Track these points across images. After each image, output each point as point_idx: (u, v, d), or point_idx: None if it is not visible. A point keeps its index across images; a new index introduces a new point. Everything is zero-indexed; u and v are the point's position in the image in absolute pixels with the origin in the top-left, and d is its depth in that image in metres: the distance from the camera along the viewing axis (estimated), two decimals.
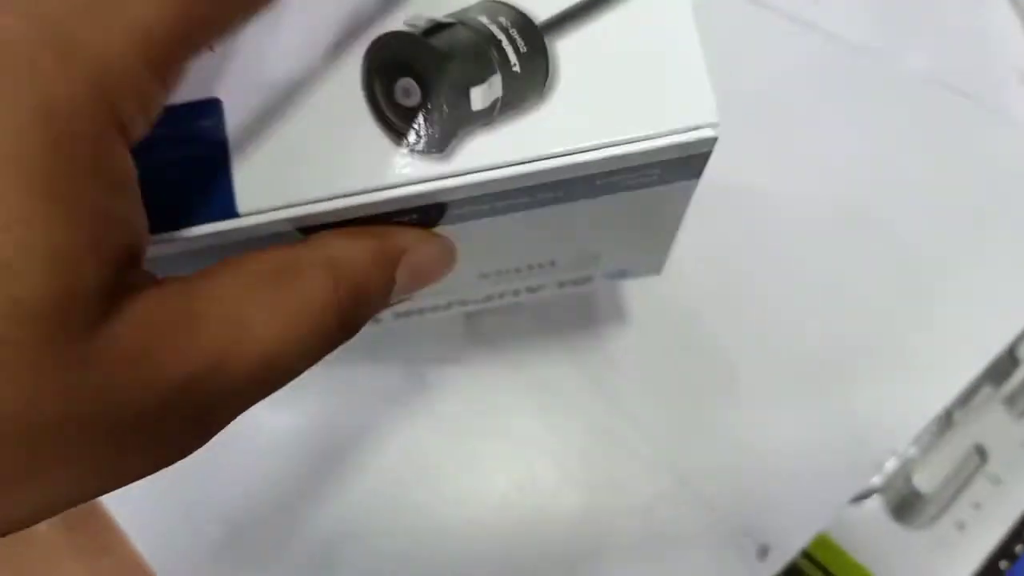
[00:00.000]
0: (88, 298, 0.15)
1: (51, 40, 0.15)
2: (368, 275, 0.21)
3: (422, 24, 0.22)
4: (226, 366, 0.17)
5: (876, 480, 0.40)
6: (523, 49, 0.22)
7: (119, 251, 0.16)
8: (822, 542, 0.39)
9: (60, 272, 0.14)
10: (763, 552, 0.38)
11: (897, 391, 0.41)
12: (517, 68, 0.22)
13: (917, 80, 0.45)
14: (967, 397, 0.41)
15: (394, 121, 0.21)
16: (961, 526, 0.40)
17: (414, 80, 0.21)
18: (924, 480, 0.41)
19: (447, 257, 0.24)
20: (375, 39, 0.22)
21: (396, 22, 0.22)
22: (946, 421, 0.41)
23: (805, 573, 0.39)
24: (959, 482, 0.41)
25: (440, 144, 0.21)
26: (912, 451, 0.40)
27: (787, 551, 0.39)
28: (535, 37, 0.22)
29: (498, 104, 0.22)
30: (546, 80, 0.22)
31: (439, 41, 0.22)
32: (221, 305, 0.18)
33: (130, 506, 0.37)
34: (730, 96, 0.45)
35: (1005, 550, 0.40)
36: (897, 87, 0.45)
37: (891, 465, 0.40)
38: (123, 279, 0.16)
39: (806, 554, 0.39)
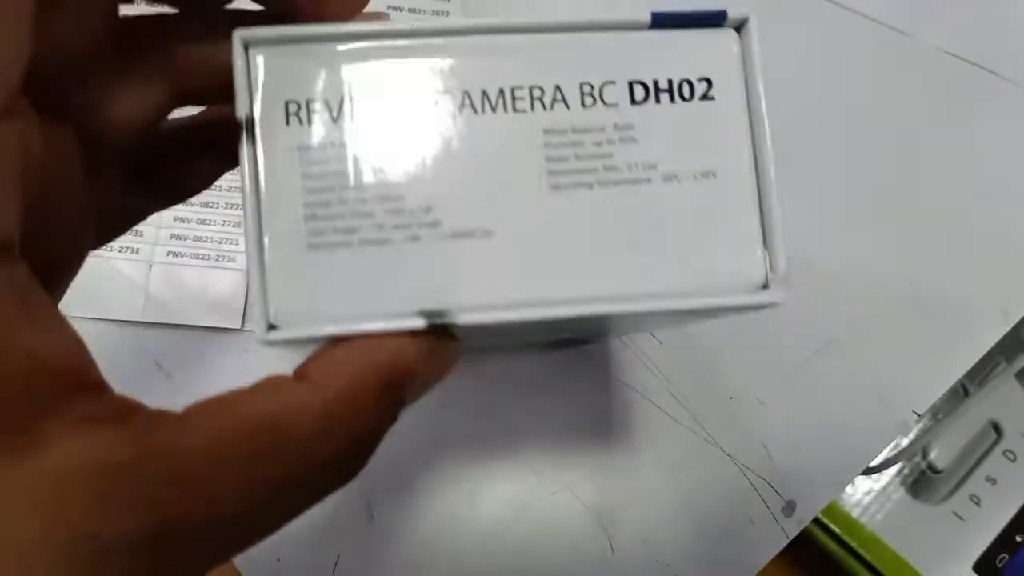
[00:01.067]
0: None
1: None
2: (372, 418, 0.18)
3: None
4: (172, 530, 0.16)
5: (893, 454, 0.41)
6: None
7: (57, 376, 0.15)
8: (836, 514, 0.39)
9: None
10: (790, 508, 0.39)
11: (920, 359, 0.41)
12: None
13: (936, 53, 0.45)
14: (982, 371, 0.42)
15: None
16: (977, 500, 0.41)
17: None
18: (940, 455, 0.41)
19: (452, 363, 0.21)
20: None
21: None
22: (962, 394, 0.41)
23: (819, 542, 0.40)
24: (975, 457, 0.41)
25: None
26: (928, 426, 0.41)
27: (813, 508, 0.39)
28: None
29: None
30: None
31: None
32: (180, 464, 0.16)
33: None
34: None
35: (1020, 524, 0.41)
36: (916, 60, 0.45)
37: (907, 440, 0.41)
38: (57, 409, 0.15)
39: (822, 525, 0.39)
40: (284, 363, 0.21)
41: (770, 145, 0.20)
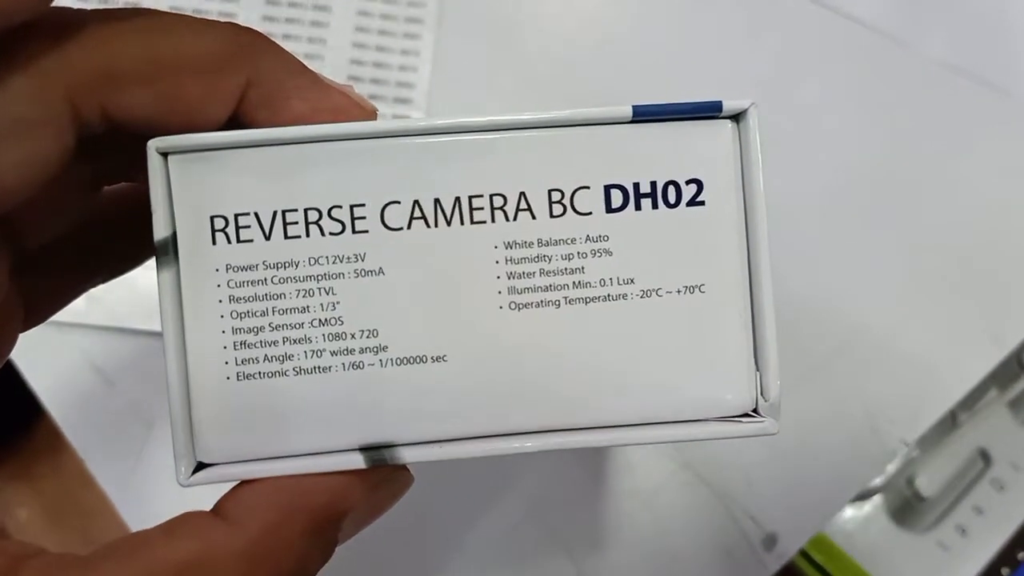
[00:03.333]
0: None
1: None
2: (300, 560, 0.17)
3: None
4: None
5: (878, 482, 0.39)
6: None
7: None
8: (821, 543, 0.38)
9: None
10: (770, 541, 0.38)
11: (909, 386, 0.40)
12: None
13: (936, 66, 0.43)
14: (973, 400, 0.40)
15: None
16: (963, 531, 0.39)
17: None
18: (926, 483, 0.40)
19: (400, 494, 0.19)
20: None
21: None
22: (951, 423, 0.40)
23: (800, 570, 0.38)
24: (962, 486, 0.40)
25: None
26: (915, 453, 0.39)
27: (794, 542, 0.38)
28: None
29: None
30: None
31: None
32: None
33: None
34: (747, 76, 0.44)
35: (1007, 556, 0.39)
36: (916, 73, 0.43)
37: (893, 467, 0.39)
38: None
39: (805, 554, 0.38)
40: None
41: (767, 256, 0.17)
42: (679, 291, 0.17)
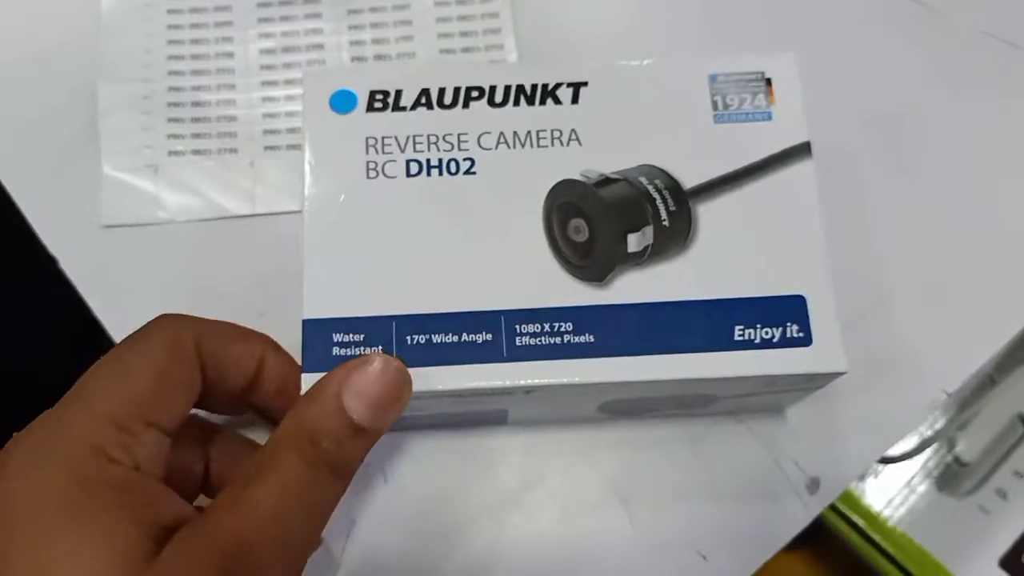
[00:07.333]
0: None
1: None
2: (328, 425, 0.25)
3: (594, 176, 0.28)
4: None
5: (917, 445, 0.39)
6: (672, 208, 0.28)
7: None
8: (859, 505, 0.38)
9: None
10: (814, 485, 0.37)
11: (950, 337, 0.40)
12: (666, 222, 0.28)
13: (972, 32, 0.45)
14: (1010, 362, 0.40)
15: (566, 252, 0.28)
16: (1004, 494, 0.40)
17: (584, 221, 0.28)
18: (966, 448, 0.40)
19: (396, 376, 0.26)
20: (556, 183, 0.28)
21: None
22: (988, 383, 0.40)
23: (841, 535, 0.38)
24: (1002, 451, 0.40)
25: (600, 276, 0.27)
26: (955, 416, 0.40)
27: (837, 486, 0.38)
28: (682, 199, 0.28)
29: (648, 250, 0.27)
30: (688, 236, 0.28)
31: (606, 192, 0.28)
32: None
33: None
34: (783, 41, 0.45)
35: None
36: (952, 39, 0.45)
37: (932, 431, 0.40)
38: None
39: (843, 516, 0.38)
40: None
41: None
42: None
